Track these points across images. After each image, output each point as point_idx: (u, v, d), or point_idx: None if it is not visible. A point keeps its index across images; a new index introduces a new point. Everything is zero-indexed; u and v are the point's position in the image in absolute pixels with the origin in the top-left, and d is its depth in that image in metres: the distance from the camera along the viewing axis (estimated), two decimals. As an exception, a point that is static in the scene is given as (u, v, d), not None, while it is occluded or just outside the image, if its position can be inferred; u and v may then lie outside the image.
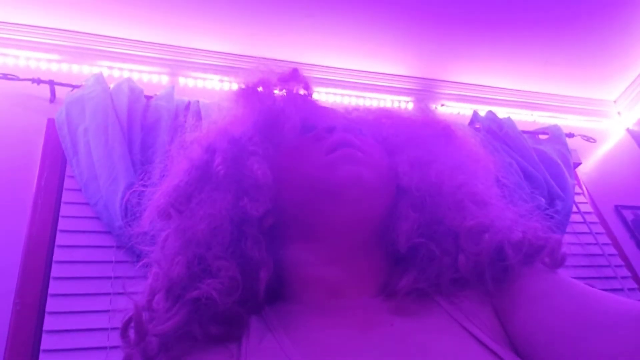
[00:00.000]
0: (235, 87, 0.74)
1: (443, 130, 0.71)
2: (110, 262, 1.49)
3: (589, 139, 2.64)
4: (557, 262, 0.56)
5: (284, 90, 0.74)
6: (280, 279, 0.62)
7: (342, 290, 0.59)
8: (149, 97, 1.82)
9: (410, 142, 0.68)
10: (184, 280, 0.55)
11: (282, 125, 0.66)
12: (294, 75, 0.75)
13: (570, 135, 2.53)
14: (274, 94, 0.72)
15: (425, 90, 2.51)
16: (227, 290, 0.54)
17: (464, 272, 0.56)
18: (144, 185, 0.72)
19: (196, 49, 2.14)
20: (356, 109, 0.81)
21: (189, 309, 0.53)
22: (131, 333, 0.55)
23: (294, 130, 0.65)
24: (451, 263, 0.57)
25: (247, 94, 0.72)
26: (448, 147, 0.68)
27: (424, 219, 0.60)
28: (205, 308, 0.53)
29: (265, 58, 2.13)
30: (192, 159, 0.65)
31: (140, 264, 0.63)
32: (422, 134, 0.69)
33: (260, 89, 0.72)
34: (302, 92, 0.76)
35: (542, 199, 1.97)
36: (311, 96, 0.78)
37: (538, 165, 2.11)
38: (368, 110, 0.80)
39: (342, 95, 2.33)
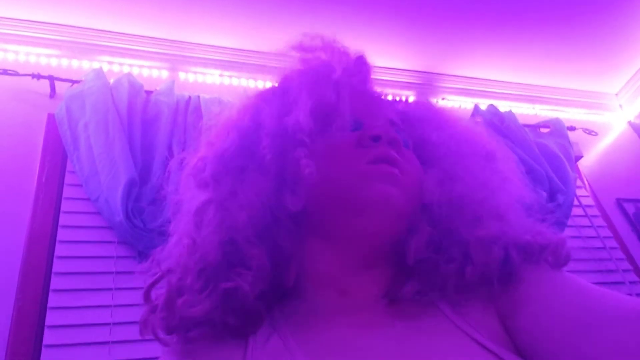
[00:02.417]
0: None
1: (486, 154, 0.69)
2: (112, 257, 1.49)
3: (590, 132, 2.64)
4: (561, 261, 0.56)
5: (345, 82, 0.68)
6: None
7: (350, 290, 0.59)
8: (149, 92, 1.82)
9: (446, 159, 0.66)
10: (219, 266, 0.55)
11: (332, 122, 0.63)
12: (358, 65, 0.71)
13: (572, 128, 2.53)
14: (334, 81, 0.66)
15: (426, 84, 2.50)
16: (258, 282, 0.55)
17: (470, 282, 0.55)
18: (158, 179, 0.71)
19: (196, 44, 2.13)
20: (406, 102, 0.78)
21: (219, 297, 0.54)
22: (154, 293, 0.56)
23: (343, 129, 0.62)
24: (457, 272, 0.56)
25: (307, 78, 0.67)
26: (484, 169, 0.66)
27: (437, 231, 0.59)
28: (234, 298, 0.54)
29: (266, 52, 2.12)
30: (237, 127, 0.63)
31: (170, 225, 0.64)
32: (461, 152, 0.67)
33: (322, 74, 0.67)
34: (363, 77, 0.71)
35: (544, 193, 1.97)
36: (369, 82, 0.73)
37: (539, 159, 2.11)
38: (417, 105, 0.77)
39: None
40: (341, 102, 0.63)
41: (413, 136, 0.70)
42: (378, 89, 0.76)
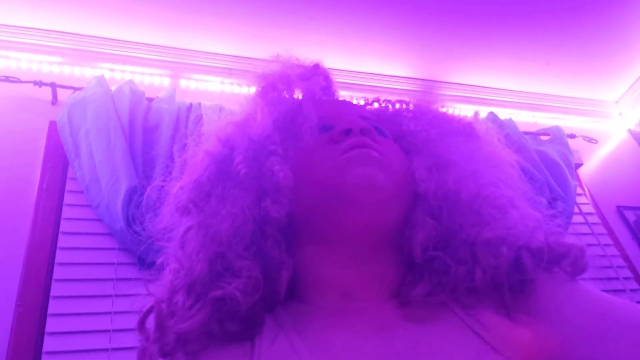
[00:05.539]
0: (247, 84, 0.74)
1: (464, 129, 0.70)
2: (112, 264, 1.49)
3: (590, 140, 2.64)
4: (578, 271, 0.55)
5: (304, 87, 0.71)
6: (294, 279, 0.62)
7: (355, 293, 0.58)
8: (150, 100, 1.83)
9: (429, 141, 0.66)
10: (206, 278, 0.55)
11: (300, 126, 0.64)
12: (315, 71, 0.73)
13: (572, 136, 2.53)
14: (293, 90, 0.70)
15: (426, 91, 2.50)
16: (250, 291, 0.54)
17: (480, 286, 0.55)
18: (163, 181, 0.72)
19: (198, 51, 2.14)
20: (377, 100, 0.80)
21: (211, 308, 0.53)
22: (148, 324, 0.56)
23: (312, 131, 0.63)
24: (467, 274, 0.56)
25: (266, 92, 0.70)
26: (469, 147, 0.66)
27: (440, 227, 0.59)
28: (227, 308, 0.53)
29: (267, 60, 2.13)
30: (212, 154, 0.64)
31: (160, 259, 0.63)
32: (442, 133, 0.67)
33: (279, 85, 0.71)
34: (323, 83, 0.74)
35: (544, 200, 1.97)
36: (332, 89, 0.76)
37: (539, 166, 2.11)
38: (388, 102, 0.79)
39: (344, 97, 2.32)
40: (304, 107, 0.64)
41: (391, 131, 0.70)
42: (344, 95, 0.79)
